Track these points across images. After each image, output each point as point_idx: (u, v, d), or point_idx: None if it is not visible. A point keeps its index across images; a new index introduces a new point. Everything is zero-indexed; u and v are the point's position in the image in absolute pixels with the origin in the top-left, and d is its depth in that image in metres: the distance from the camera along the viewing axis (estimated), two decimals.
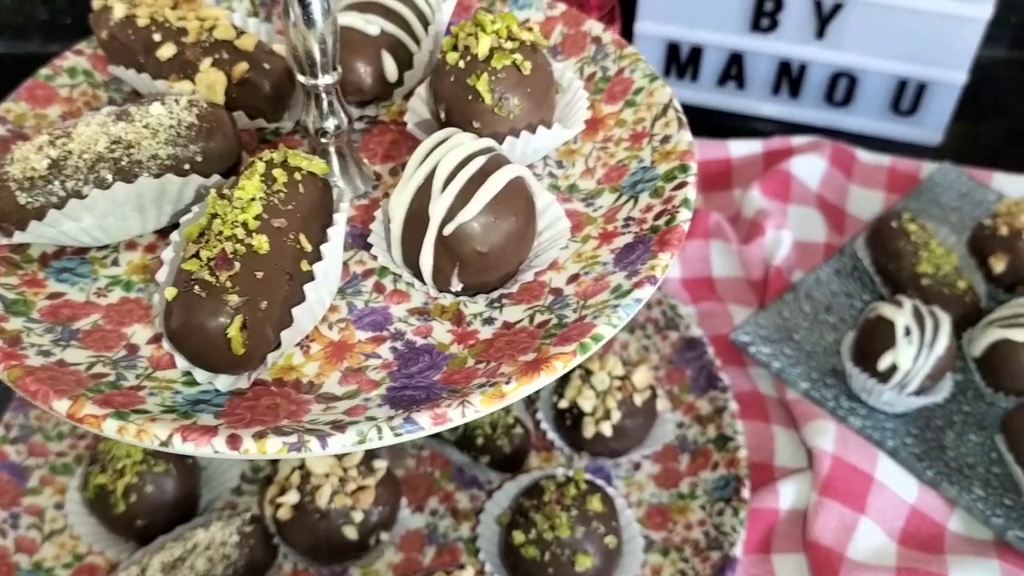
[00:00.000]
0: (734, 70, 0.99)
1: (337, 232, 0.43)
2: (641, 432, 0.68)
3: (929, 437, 0.70)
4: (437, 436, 0.69)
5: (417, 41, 0.54)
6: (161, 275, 0.42)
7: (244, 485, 0.68)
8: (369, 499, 0.60)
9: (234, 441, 0.36)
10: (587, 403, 0.67)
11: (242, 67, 0.51)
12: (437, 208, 0.42)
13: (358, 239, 0.48)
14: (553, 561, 0.58)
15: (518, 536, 0.60)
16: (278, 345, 0.40)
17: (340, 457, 0.62)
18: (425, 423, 0.37)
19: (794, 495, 0.67)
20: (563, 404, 0.68)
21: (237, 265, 0.39)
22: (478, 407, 0.38)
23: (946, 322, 0.69)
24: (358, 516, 0.60)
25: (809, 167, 0.90)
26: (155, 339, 0.43)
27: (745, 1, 0.94)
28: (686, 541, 0.64)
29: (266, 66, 0.52)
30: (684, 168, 0.48)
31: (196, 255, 0.39)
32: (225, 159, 0.47)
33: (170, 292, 0.39)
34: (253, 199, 0.41)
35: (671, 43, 0.99)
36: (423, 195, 0.42)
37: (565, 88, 0.53)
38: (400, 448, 0.71)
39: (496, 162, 0.43)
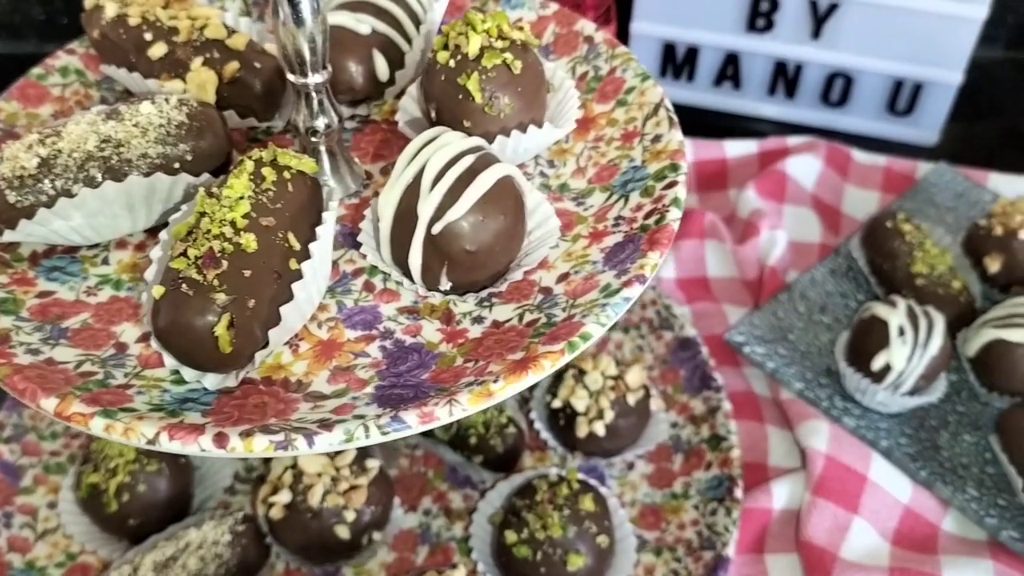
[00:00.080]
0: (730, 70, 0.99)
1: (326, 231, 0.43)
2: (634, 432, 0.68)
3: (923, 437, 0.70)
4: (430, 436, 0.69)
5: (409, 40, 0.54)
6: (150, 274, 0.42)
7: (237, 484, 0.68)
8: (361, 498, 0.60)
9: (221, 439, 0.36)
10: (580, 403, 0.67)
11: (233, 66, 0.51)
12: (425, 207, 0.42)
13: (348, 238, 0.48)
14: (545, 561, 0.58)
15: (510, 536, 0.60)
16: (266, 344, 0.40)
17: (333, 456, 0.62)
18: (412, 422, 0.37)
19: (787, 495, 0.67)
20: (556, 404, 0.68)
21: (225, 263, 0.39)
22: (466, 406, 0.38)
23: (940, 322, 0.69)
24: (350, 515, 0.60)
25: (804, 167, 0.90)
26: (144, 338, 0.43)
27: (741, 1, 0.94)
28: (679, 541, 0.64)
29: (257, 65, 0.52)
30: (674, 167, 0.48)
31: (184, 253, 0.39)
32: (215, 158, 0.47)
33: (158, 290, 0.39)
34: (241, 198, 0.41)
35: (667, 43, 0.99)
36: (412, 194, 0.42)
37: (556, 87, 0.53)
38: (394, 448, 0.71)
39: (485, 161, 0.43)
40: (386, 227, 0.43)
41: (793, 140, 0.93)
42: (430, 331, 0.44)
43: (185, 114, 0.46)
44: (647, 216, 0.46)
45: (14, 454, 0.68)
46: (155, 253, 0.43)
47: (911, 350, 0.68)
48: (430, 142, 0.44)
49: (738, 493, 0.65)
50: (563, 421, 0.68)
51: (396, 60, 0.54)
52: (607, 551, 0.60)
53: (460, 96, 0.47)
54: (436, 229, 0.42)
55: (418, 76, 0.52)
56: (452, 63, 0.47)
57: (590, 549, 0.59)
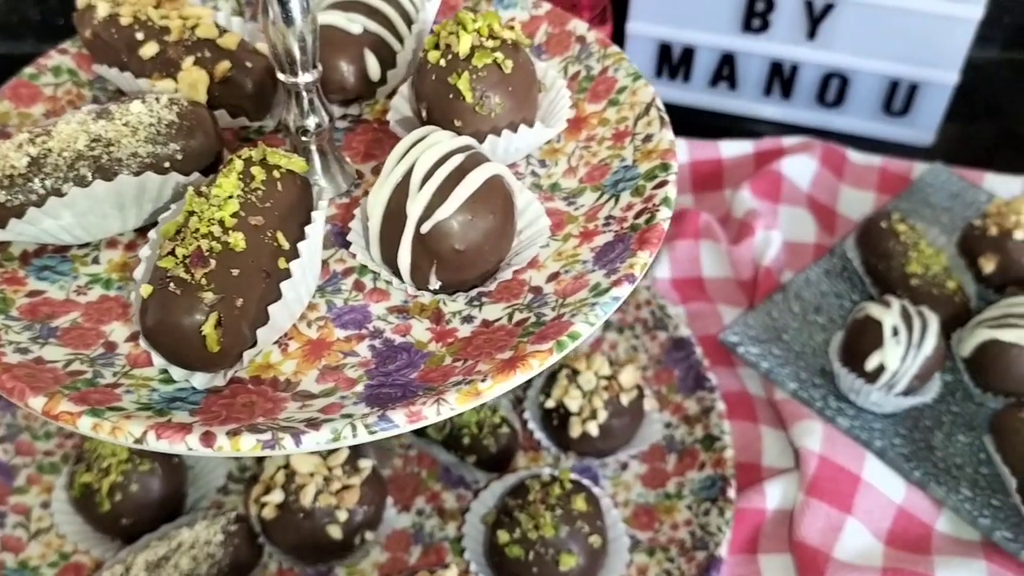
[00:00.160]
0: (726, 70, 0.99)
1: (315, 230, 0.42)
2: (628, 432, 0.68)
3: (917, 438, 0.70)
4: (424, 435, 0.69)
5: (400, 40, 0.54)
6: (138, 273, 0.42)
7: (231, 484, 0.68)
8: (354, 498, 0.60)
9: (208, 438, 0.36)
10: (574, 403, 0.67)
11: (224, 66, 0.51)
12: (414, 206, 0.42)
13: (338, 237, 0.48)
14: (537, 560, 0.58)
15: (503, 535, 0.59)
16: (254, 343, 0.40)
17: (325, 456, 0.62)
18: (400, 421, 0.37)
19: (781, 495, 0.67)
20: (550, 404, 0.68)
21: (213, 262, 0.39)
22: (454, 405, 0.38)
23: (934, 322, 0.69)
24: (342, 515, 0.60)
25: (800, 167, 0.90)
26: (133, 337, 0.43)
27: (736, 1, 0.94)
28: (672, 541, 0.64)
29: (248, 64, 0.52)
30: (665, 167, 0.48)
31: (172, 252, 0.39)
32: (205, 157, 0.47)
33: (146, 289, 0.39)
34: (230, 197, 0.41)
35: (663, 43, 0.99)
36: (401, 193, 0.42)
37: (548, 87, 0.53)
38: (388, 448, 0.71)
39: (474, 160, 0.43)
40: (375, 226, 0.43)
41: (788, 140, 0.93)
42: (420, 330, 0.44)
43: (175, 113, 0.46)
44: (637, 215, 0.46)
45: (8, 454, 0.68)
46: (144, 252, 0.43)
47: (905, 350, 0.68)
48: (419, 141, 0.44)
49: (731, 493, 0.65)
50: (556, 421, 0.68)
51: (388, 59, 0.54)
52: (599, 551, 0.60)
53: (451, 95, 0.47)
54: (425, 228, 0.42)
55: (410, 76, 0.52)
56: (443, 62, 0.47)
57: (582, 549, 0.59)
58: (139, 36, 0.52)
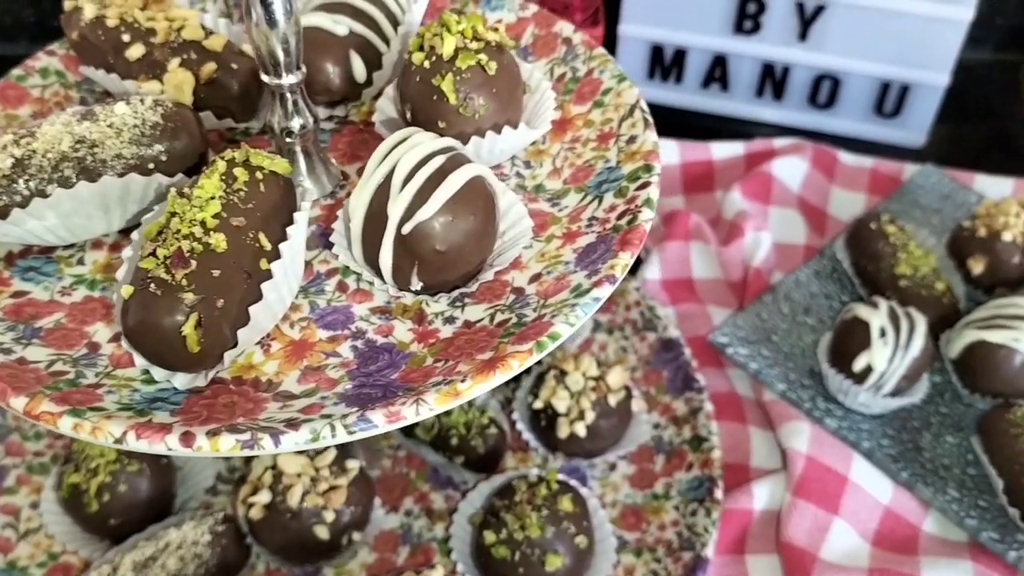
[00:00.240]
0: (718, 72, 0.99)
1: (297, 231, 0.43)
2: (616, 433, 0.68)
3: (905, 439, 0.70)
4: (413, 436, 0.69)
5: (386, 41, 0.54)
6: (120, 273, 0.43)
7: (220, 485, 0.68)
8: (341, 499, 0.60)
9: (187, 439, 0.37)
10: (562, 404, 0.67)
11: (210, 67, 0.51)
12: (396, 207, 0.42)
13: (322, 238, 0.48)
14: (523, 561, 0.58)
15: (489, 536, 0.60)
16: (235, 344, 0.40)
17: (312, 457, 0.62)
18: (379, 421, 0.38)
19: (768, 496, 0.67)
20: (538, 405, 0.68)
21: (193, 263, 0.39)
22: (433, 405, 0.38)
23: (921, 323, 0.70)
24: (329, 516, 0.60)
25: (791, 169, 0.90)
26: (116, 338, 0.43)
27: (728, 3, 0.94)
28: (659, 541, 0.64)
29: (234, 66, 0.52)
30: (648, 168, 0.48)
31: (153, 253, 0.39)
32: (190, 159, 0.47)
33: (126, 290, 0.39)
34: (212, 198, 0.41)
35: (655, 45, 0.99)
36: (382, 194, 0.43)
37: (533, 89, 0.53)
38: (377, 448, 0.71)
39: (456, 161, 0.43)
40: (357, 227, 0.44)
41: (779, 142, 0.93)
42: (402, 331, 0.44)
43: (160, 115, 0.47)
44: (619, 217, 0.47)
45: None
46: (126, 253, 0.43)
47: (892, 351, 0.68)
48: (401, 142, 0.44)
49: (718, 494, 0.65)
50: (544, 422, 0.68)
51: (373, 61, 0.54)
52: (586, 551, 0.60)
53: (435, 97, 0.47)
54: (406, 229, 0.42)
55: (395, 77, 0.52)
56: (427, 64, 0.48)
57: (568, 549, 0.59)
58: (125, 38, 0.52)
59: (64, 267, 0.47)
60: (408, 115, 0.49)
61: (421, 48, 0.49)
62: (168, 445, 0.37)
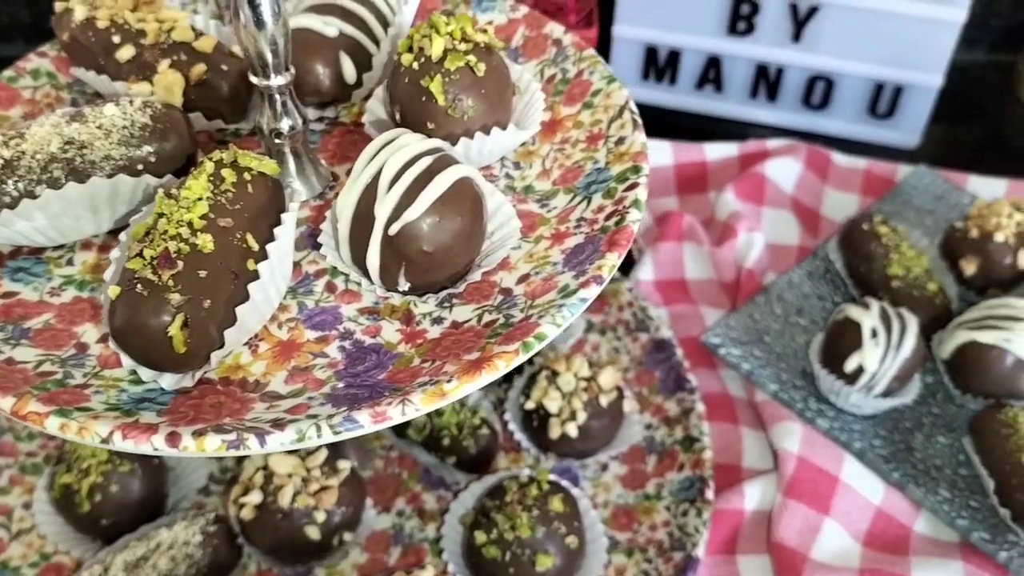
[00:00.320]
0: (712, 73, 0.99)
1: (285, 231, 0.43)
2: (607, 433, 0.68)
3: (897, 439, 0.71)
4: (404, 437, 0.69)
5: (376, 42, 0.54)
6: (108, 274, 0.43)
7: (212, 485, 0.68)
8: (332, 499, 0.61)
9: (173, 439, 0.37)
10: (553, 404, 0.67)
11: (200, 68, 0.51)
12: (383, 208, 0.42)
13: (310, 239, 0.48)
14: (514, 561, 0.58)
15: (480, 536, 0.60)
16: (222, 344, 0.40)
17: (304, 457, 0.62)
18: (365, 421, 0.38)
19: (759, 496, 0.67)
20: (530, 405, 0.68)
21: (180, 264, 0.39)
22: (419, 405, 0.38)
23: (913, 324, 0.70)
24: (320, 516, 0.60)
25: (784, 170, 0.90)
26: (104, 338, 0.43)
27: (722, 4, 0.94)
28: (650, 542, 0.65)
29: (224, 68, 0.52)
30: (636, 169, 0.49)
31: (140, 254, 0.40)
32: (179, 160, 0.47)
33: (113, 291, 0.39)
34: (200, 199, 0.41)
35: (649, 46, 0.99)
36: (369, 195, 0.43)
37: (523, 90, 0.53)
38: (369, 449, 0.71)
39: (443, 162, 0.43)
40: (344, 228, 0.44)
41: (773, 143, 0.93)
42: (390, 332, 0.44)
43: (149, 116, 0.47)
44: (608, 217, 0.47)
45: None
46: (114, 253, 0.43)
47: (883, 352, 0.68)
48: (389, 143, 0.44)
49: (709, 494, 0.65)
50: (536, 422, 0.68)
51: (363, 62, 0.54)
52: (576, 552, 0.60)
53: (424, 98, 0.47)
54: (393, 230, 0.42)
55: (385, 78, 0.52)
56: (416, 65, 0.48)
57: (559, 550, 0.59)
58: (115, 39, 0.52)
59: (53, 268, 0.47)
60: (397, 116, 0.49)
61: (410, 49, 0.49)
62: (154, 445, 0.37)
